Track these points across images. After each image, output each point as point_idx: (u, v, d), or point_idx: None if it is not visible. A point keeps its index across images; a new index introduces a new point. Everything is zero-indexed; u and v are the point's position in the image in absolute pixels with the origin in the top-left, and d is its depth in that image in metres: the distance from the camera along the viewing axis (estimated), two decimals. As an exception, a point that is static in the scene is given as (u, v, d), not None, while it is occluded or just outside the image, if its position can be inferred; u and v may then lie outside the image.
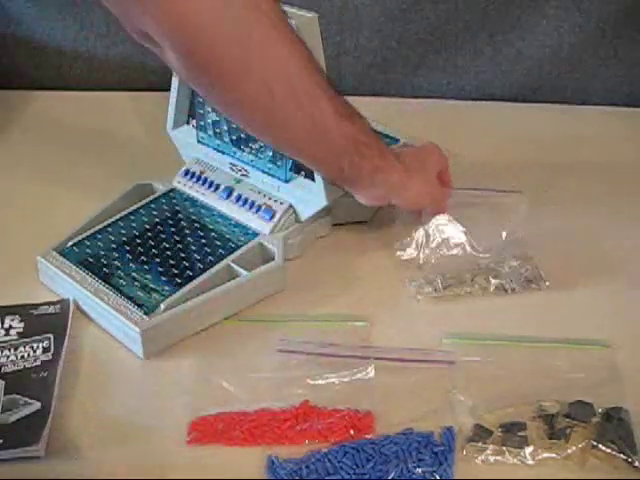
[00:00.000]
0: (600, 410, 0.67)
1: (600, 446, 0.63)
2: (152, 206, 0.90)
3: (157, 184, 0.93)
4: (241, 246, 0.83)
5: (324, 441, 0.66)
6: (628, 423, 0.66)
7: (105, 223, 0.87)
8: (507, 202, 0.87)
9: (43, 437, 0.64)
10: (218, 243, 0.84)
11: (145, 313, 0.75)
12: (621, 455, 0.63)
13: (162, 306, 0.75)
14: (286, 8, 0.81)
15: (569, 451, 0.64)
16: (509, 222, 0.85)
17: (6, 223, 0.92)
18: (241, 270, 0.80)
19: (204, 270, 0.79)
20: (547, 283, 0.83)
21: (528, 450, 0.64)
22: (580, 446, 0.64)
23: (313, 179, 0.85)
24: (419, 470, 0.63)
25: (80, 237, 0.85)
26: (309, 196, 0.85)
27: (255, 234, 0.85)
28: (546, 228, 0.89)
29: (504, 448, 0.64)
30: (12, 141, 1.08)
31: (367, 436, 0.66)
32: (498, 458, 0.64)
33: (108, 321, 0.77)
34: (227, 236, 0.85)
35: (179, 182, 0.93)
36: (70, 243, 0.84)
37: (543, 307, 0.80)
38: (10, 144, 1.08)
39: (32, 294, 0.81)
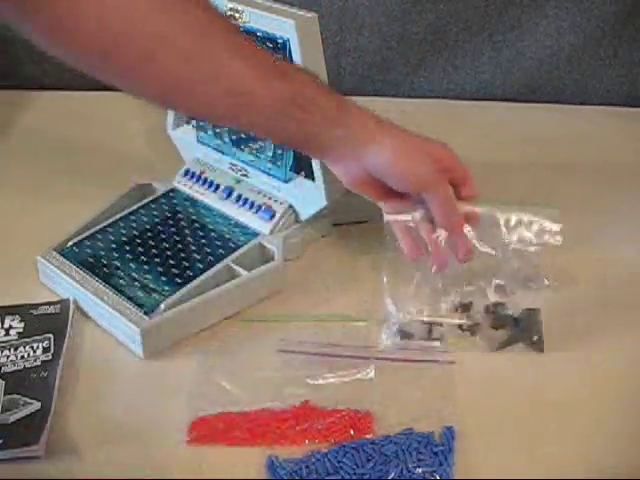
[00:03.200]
0: (511, 312, 0.77)
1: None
2: (152, 206, 0.90)
3: (157, 184, 0.94)
4: (241, 246, 0.83)
5: (324, 441, 0.66)
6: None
7: (105, 223, 0.87)
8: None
9: (43, 437, 0.64)
10: (218, 243, 0.84)
11: (145, 313, 0.75)
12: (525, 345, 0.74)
13: (162, 306, 0.75)
14: (286, 8, 0.81)
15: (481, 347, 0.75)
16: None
17: (6, 223, 0.91)
18: (241, 270, 0.80)
19: (204, 270, 0.79)
20: (547, 283, 0.83)
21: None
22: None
23: (313, 179, 0.85)
24: (419, 470, 0.63)
25: (80, 237, 0.85)
26: (309, 196, 0.85)
27: (255, 234, 0.85)
28: (546, 228, 0.89)
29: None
30: (12, 141, 1.08)
31: (367, 436, 0.66)
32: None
33: (108, 321, 0.77)
34: (227, 236, 0.85)
35: (179, 182, 0.93)
36: (70, 243, 0.84)
37: (542, 307, 0.80)
38: (10, 144, 1.08)
39: (32, 294, 0.81)
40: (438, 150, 0.76)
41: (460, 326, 0.77)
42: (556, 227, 0.77)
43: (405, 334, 0.76)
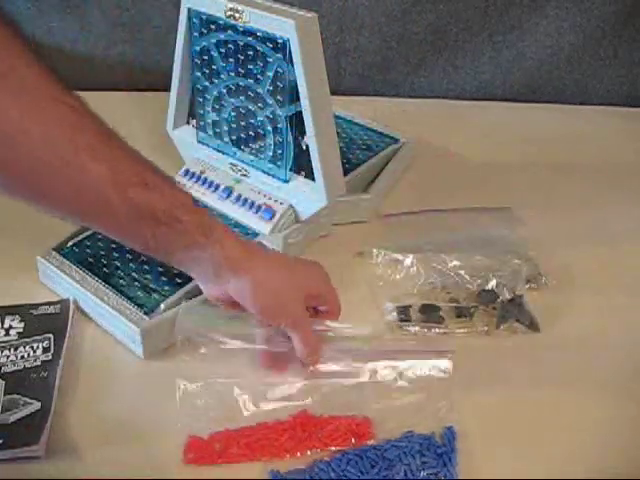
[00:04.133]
0: (501, 298, 0.79)
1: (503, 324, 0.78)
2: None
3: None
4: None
5: (325, 449, 0.66)
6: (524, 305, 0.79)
7: (105, 223, 0.87)
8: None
9: (43, 437, 0.64)
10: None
11: (145, 313, 0.75)
12: (520, 324, 0.78)
13: (162, 306, 0.75)
14: (286, 8, 0.81)
15: (477, 328, 0.78)
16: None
17: (6, 223, 0.91)
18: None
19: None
20: (546, 282, 0.83)
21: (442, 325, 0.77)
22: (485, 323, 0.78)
23: (313, 179, 0.85)
24: (424, 473, 0.63)
25: (80, 237, 0.85)
26: (309, 196, 0.85)
27: (255, 234, 0.85)
28: (546, 228, 0.90)
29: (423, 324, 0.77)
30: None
31: (368, 442, 0.66)
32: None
33: (108, 321, 0.77)
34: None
35: (179, 182, 0.93)
36: (70, 243, 0.84)
37: (543, 307, 0.80)
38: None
39: (32, 294, 0.81)
40: (306, 280, 0.73)
41: (457, 308, 0.79)
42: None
43: (405, 317, 0.78)
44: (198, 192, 0.91)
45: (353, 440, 0.66)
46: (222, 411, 0.68)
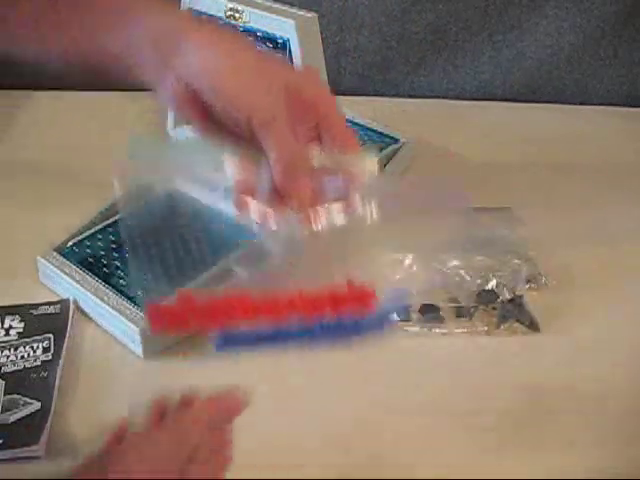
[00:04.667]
0: (501, 298, 0.79)
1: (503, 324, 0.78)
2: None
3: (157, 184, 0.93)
4: (241, 246, 0.83)
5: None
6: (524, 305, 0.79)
7: (105, 223, 0.87)
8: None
9: (43, 437, 0.64)
10: (218, 243, 0.84)
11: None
12: (520, 324, 0.78)
13: (162, 306, 0.75)
14: (286, 8, 0.81)
15: (477, 328, 0.77)
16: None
17: (6, 223, 0.91)
18: (241, 270, 0.80)
19: (204, 270, 0.79)
20: (546, 282, 0.83)
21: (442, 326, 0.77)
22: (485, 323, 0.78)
23: (313, 179, 0.84)
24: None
25: (80, 237, 0.85)
26: (309, 196, 0.85)
27: (255, 234, 0.85)
28: (546, 228, 0.89)
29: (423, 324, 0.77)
30: (12, 141, 1.08)
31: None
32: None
33: (108, 321, 0.77)
34: (227, 236, 0.85)
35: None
36: (70, 243, 0.84)
37: (543, 307, 0.80)
38: (10, 144, 1.08)
39: (32, 294, 0.81)
40: (284, 67, 0.56)
41: (457, 308, 0.79)
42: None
43: (404, 317, 0.78)
44: (198, 192, 0.91)
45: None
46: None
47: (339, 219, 0.55)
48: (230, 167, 0.55)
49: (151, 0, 0.55)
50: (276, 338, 0.55)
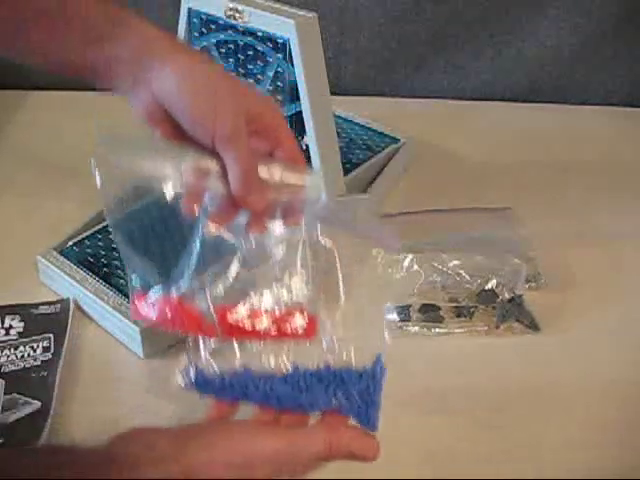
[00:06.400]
0: (501, 297, 0.79)
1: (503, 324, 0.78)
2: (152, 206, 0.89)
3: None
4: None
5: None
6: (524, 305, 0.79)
7: (105, 223, 0.87)
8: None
9: (43, 437, 0.64)
10: (218, 243, 0.83)
11: (145, 313, 0.75)
12: (520, 324, 0.78)
13: (162, 306, 0.75)
14: (286, 8, 0.81)
15: (477, 328, 0.78)
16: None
17: (6, 223, 0.91)
18: (241, 270, 0.80)
19: (204, 270, 0.79)
20: (546, 282, 0.83)
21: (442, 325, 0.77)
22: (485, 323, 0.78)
23: (313, 179, 0.84)
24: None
25: (80, 237, 0.85)
26: (309, 196, 0.85)
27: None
28: (546, 228, 0.89)
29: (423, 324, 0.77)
30: (12, 141, 1.08)
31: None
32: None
33: (108, 321, 0.77)
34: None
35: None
36: (70, 243, 0.84)
37: (543, 307, 0.80)
38: (10, 144, 1.08)
39: (32, 294, 0.81)
40: (247, 93, 0.60)
41: (457, 308, 0.79)
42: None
43: (404, 317, 0.78)
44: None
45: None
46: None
47: (280, 229, 0.61)
48: (186, 171, 0.59)
49: (134, 19, 0.60)
50: (247, 390, 0.58)
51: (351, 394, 0.57)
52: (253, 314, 0.60)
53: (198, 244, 0.61)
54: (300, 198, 0.61)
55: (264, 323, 0.60)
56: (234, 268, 0.62)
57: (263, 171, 0.59)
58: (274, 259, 0.61)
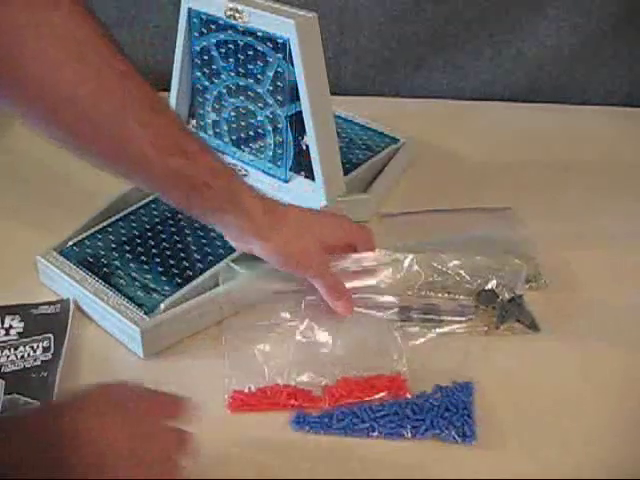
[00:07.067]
0: (501, 298, 0.79)
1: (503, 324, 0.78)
2: (152, 206, 0.90)
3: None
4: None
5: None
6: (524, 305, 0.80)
7: (105, 223, 0.87)
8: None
9: (43, 437, 0.64)
10: (218, 243, 0.84)
11: (145, 313, 0.75)
12: (520, 324, 0.78)
13: (162, 306, 0.75)
14: (286, 8, 0.81)
15: (477, 328, 0.78)
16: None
17: (6, 223, 0.91)
18: (241, 270, 0.80)
19: (204, 270, 0.79)
20: (546, 282, 0.83)
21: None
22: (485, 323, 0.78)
23: (313, 179, 0.85)
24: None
25: (80, 237, 0.85)
26: (309, 196, 0.85)
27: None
28: (546, 228, 0.89)
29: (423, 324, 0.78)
30: (12, 141, 1.08)
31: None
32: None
33: (108, 321, 0.77)
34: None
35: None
36: (70, 243, 0.84)
37: (543, 307, 0.80)
38: (10, 144, 1.08)
39: (32, 294, 0.81)
40: (321, 232, 0.77)
41: (457, 308, 0.79)
42: None
43: (404, 318, 0.78)
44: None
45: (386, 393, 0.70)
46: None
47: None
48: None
49: (250, 197, 0.74)
50: (345, 424, 0.68)
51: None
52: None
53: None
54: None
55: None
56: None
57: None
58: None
